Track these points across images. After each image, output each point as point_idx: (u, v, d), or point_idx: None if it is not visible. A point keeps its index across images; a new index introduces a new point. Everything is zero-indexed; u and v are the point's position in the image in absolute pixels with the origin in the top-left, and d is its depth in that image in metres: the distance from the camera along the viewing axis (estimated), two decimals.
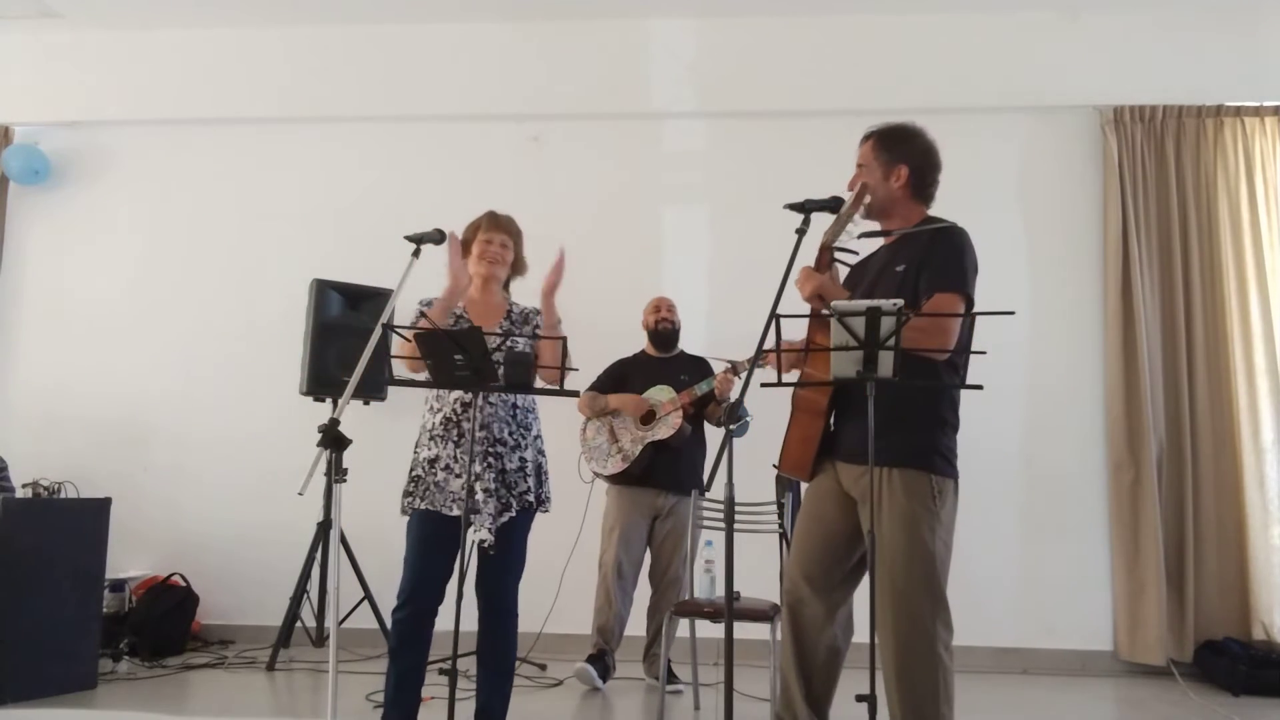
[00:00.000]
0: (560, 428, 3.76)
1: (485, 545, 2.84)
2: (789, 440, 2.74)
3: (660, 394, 4.27)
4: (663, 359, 4.41)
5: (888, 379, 2.30)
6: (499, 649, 2.94)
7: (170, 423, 5.20)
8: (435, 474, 2.90)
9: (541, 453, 3.05)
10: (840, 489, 2.65)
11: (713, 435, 4.26)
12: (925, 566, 2.47)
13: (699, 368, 4.34)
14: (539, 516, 3.02)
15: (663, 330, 4.40)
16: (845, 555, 2.67)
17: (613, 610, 4.12)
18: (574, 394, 2.94)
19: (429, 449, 2.94)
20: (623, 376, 4.38)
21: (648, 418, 4.25)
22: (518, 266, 3.18)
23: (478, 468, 2.85)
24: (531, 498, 2.94)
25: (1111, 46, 5.01)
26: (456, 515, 2.83)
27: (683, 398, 4.19)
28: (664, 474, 4.20)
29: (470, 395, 2.85)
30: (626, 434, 4.26)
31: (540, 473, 3.02)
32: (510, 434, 2.94)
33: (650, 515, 4.24)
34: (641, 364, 4.43)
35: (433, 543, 2.87)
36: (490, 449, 2.88)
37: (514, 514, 2.89)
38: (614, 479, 4.26)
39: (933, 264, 2.57)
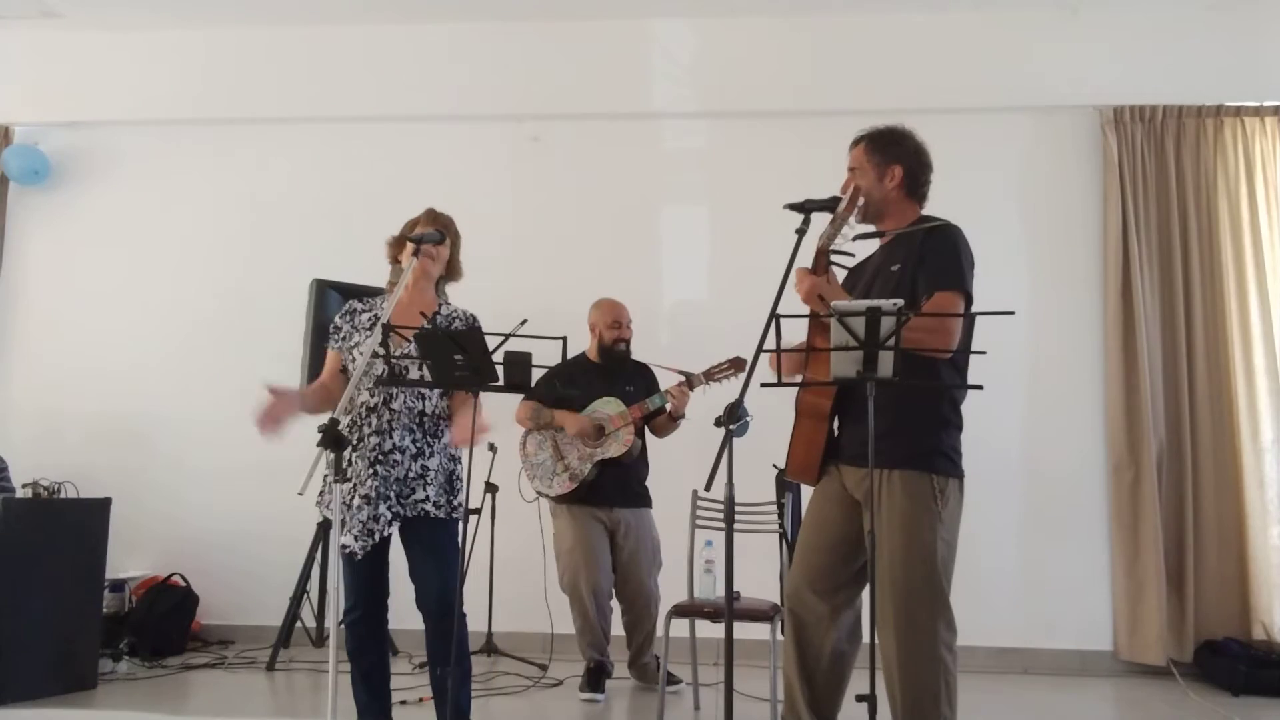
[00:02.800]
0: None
1: (349, 553, 2.74)
2: (794, 445, 2.74)
3: (607, 407, 4.04)
4: (607, 368, 4.18)
5: (888, 379, 2.30)
6: (444, 647, 2.76)
7: (170, 422, 5.20)
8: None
9: (454, 459, 2.93)
10: (844, 492, 2.66)
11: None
12: (926, 567, 2.48)
13: (644, 377, 4.19)
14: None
15: (619, 353, 4.17)
16: (848, 559, 2.66)
17: (595, 628, 4.01)
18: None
19: None
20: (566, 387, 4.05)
21: (596, 434, 4.03)
22: (453, 268, 3.06)
23: (364, 473, 2.78)
24: (430, 506, 2.81)
25: (1111, 46, 5.00)
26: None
27: (634, 412, 3.97)
28: (613, 489, 4.02)
29: (374, 401, 2.82)
30: (573, 450, 4.01)
31: (451, 480, 2.90)
32: (413, 441, 2.83)
33: (605, 529, 4.05)
34: (585, 371, 4.15)
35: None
36: (381, 457, 2.79)
37: (398, 524, 2.79)
38: (560, 499, 4.06)
39: (930, 263, 2.58)
